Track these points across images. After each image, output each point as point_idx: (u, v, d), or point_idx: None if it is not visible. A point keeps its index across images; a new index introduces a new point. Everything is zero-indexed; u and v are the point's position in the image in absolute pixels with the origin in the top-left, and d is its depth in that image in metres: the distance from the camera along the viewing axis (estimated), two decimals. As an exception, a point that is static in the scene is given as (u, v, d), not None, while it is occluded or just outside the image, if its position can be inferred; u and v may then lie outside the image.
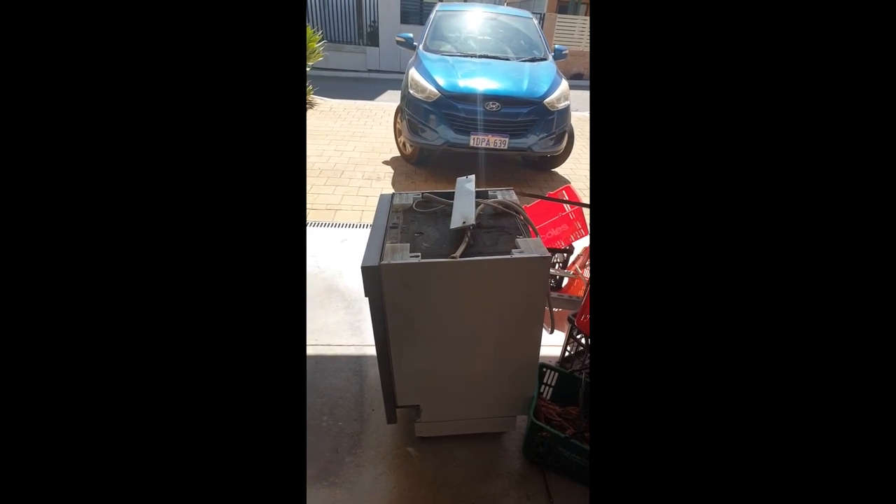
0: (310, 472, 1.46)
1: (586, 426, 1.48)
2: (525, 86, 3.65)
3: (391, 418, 1.50)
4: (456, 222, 1.31)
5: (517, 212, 1.51)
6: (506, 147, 3.61)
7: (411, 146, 4.04)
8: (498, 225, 1.43)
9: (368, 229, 3.08)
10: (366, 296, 1.23)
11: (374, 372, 1.87)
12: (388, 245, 1.27)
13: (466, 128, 3.58)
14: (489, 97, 3.54)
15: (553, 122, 3.65)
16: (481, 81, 3.65)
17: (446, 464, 1.51)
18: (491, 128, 3.59)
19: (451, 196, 1.58)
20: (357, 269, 2.61)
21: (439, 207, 1.54)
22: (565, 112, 3.73)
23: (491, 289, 1.25)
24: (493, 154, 3.89)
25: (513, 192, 1.65)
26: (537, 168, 4.36)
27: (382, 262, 1.18)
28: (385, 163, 4.29)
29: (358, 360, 1.94)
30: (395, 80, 9.00)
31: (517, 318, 1.31)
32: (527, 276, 1.23)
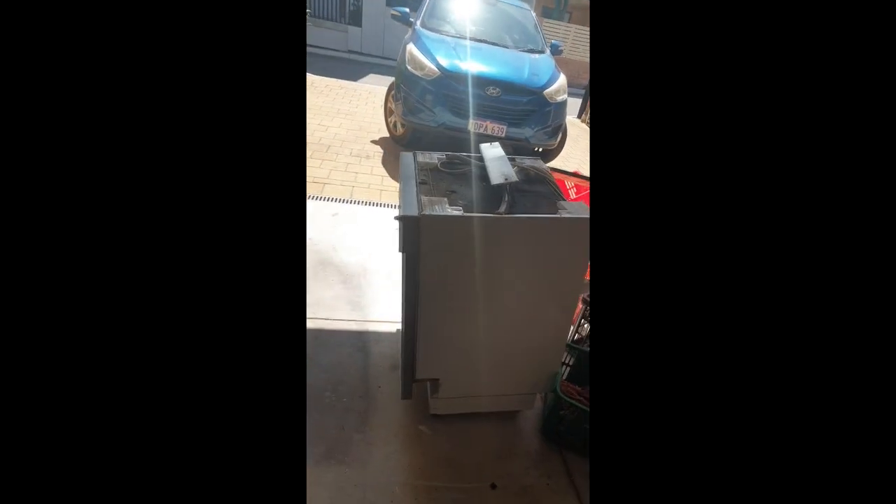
0: (316, 450, 1.32)
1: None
2: (526, 74, 3.61)
3: (407, 393, 1.39)
4: (496, 179, 1.22)
5: (548, 179, 1.44)
6: (503, 135, 3.55)
7: (403, 126, 3.91)
8: (533, 189, 1.35)
9: (359, 206, 2.94)
10: (400, 251, 1.12)
11: (377, 349, 1.74)
12: (424, 198, 1.16)
13: (465, 111, 3.49)
14: (490, 82, 3.47)
15: (550, 114, 3.63)
16: (483, 65, 3.57)
17: (462, 442, 1.41)
18: (490, 114, 3.51)
19: (479, 160, 1.49)
20: (352, 245, 2.47)
21: (466, 168, 1.44)
22: (563, 105, 3.72)
23: (534, 251, 1.17)
24: (484, 141, 3.82)
25: (539, 160, 1.58)
26: (528, 160, 4.34)
27: (423, 213, 1.07)
28: (374, 142, 4.12)
29: (360, 336, 1.80)
30: (377, 64, 8.78)
31: (556, 286, 1.23)
32: (573, 239, 1.16)
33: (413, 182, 1.28)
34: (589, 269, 1.47)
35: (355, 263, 2.26)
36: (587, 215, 1.14)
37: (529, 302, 1.25)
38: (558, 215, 1.13)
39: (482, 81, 3.47)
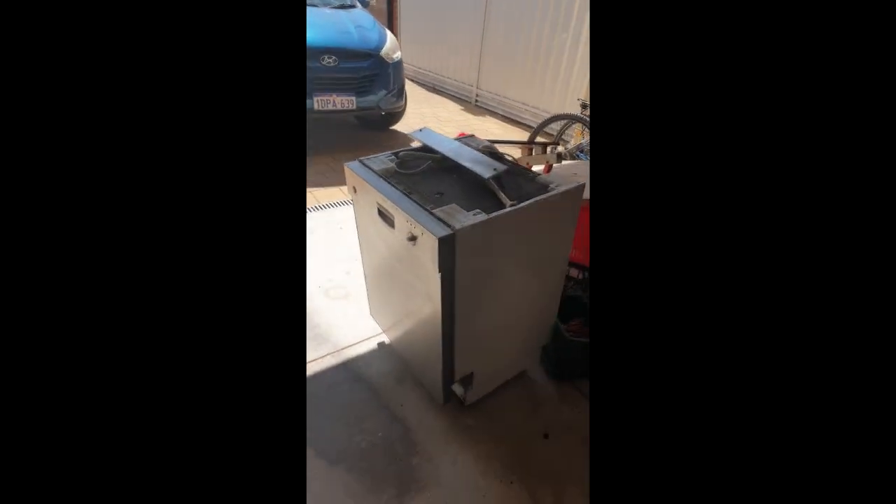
0: (388, 494, 1.25)
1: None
2: (355, 36, 3.38)
3: (448, 397, 1.39)
4: (486, 172, 1.24)
5: (500, 154, 1.50)
6: (353, 107, 3.34)
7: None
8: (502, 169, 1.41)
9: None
10: (439, 271, 1.07)
11: (372, 371, 1.65)
12: (436, 211, 1.11)
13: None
14: (322, 50, 3.15)
15: (391, 75, 3.54)
16: (307, 31, 3.20)
17: (504, 416, 1.52)
18: (332, 86, 3.24)
19: (428, 151, 1.45)
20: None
21: (424, 163, 1.40)
22: (400, 64, 3.66)
23: (542, 228, 1.26)
24: (324, 119, 3.51)
25: (474, 136, 1.62)
26: (376, 128, 4.22)
27: (457, 228, 1.04)
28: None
29: (346, 368, 1.66)
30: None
31: (555, 250, 1.37)
32: (570, 207, 1.28)
33: (399, 194, 1.20)
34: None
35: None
36: (576, 183, 1.27)
37: (541, 271, 1.36)
38: (558, 191, 1.23)
39: (312, 51, 3.14)
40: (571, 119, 3.16)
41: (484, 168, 1.25)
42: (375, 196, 1.26)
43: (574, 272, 1.99)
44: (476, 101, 5.47)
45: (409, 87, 5.61)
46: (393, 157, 1.44)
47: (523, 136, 4.34)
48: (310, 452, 1.35)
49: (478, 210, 1.12)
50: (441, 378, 1.33)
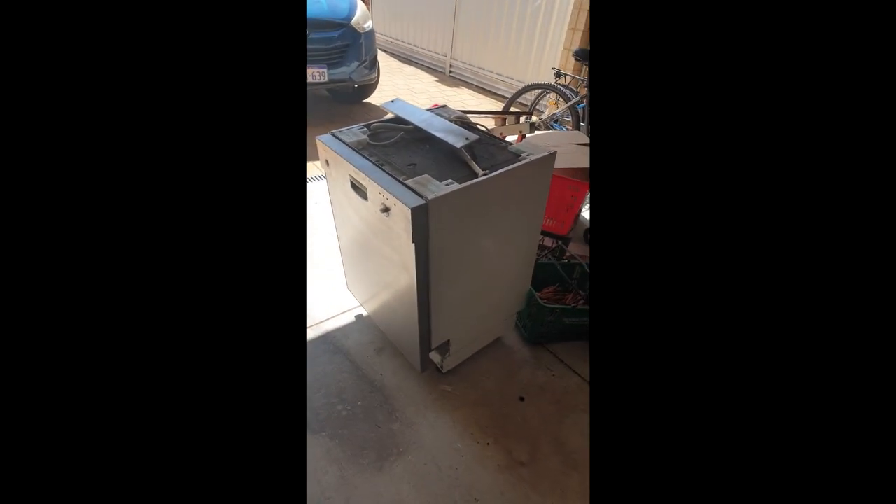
0: (368, 459, 1.30)
1: (580, 297, 1.77)
2: (325, 4, 3.25)
3: (425, 365, 1.43)
4: (458, 142, 1.24)
5: (472, 123, 1.50)
6: (326, 80, 3.24)
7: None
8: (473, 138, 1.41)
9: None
10: (413, 241, 1.08)
11: (350, 342, 1.67)
12: (409, 182, 1.11)
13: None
14: (289, 20, 3.02)
15: (363, 46, 3.43)
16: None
17: (480, 381, 1.57)
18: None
19: (401, 122, 1.44)
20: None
21: (396, 135, 1.39)
22: (372, 34, 3.54)
23: (514, 196, 1.28)
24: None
25: (447, 107, 1.61)
26: (349, 101, 4.10)
27: (430, 198, 1.04)
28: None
29: (324, 340, 1.67)
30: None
31: (529, 217, 1.39)
32: (542, 174, 1.31)
33: (371, 166, 1.19)
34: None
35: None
36: (547, 151, 1.28)
37: (514, 238, 1.39)
38: (529, 159, 1.24)
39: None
40: (546, 88, 3.15)
41: (456, 138, 1.25)
42: (348, 168, 1.25)
43: (548, 241, 2.04)
44: (450, 71, 5.36)
45: (382, 59, 5.45)
46: (365, 128, 1.42)
47: (498, 106, 4.31)
48: (292, 423, 1.38)
49: (450, 180, 1.13)
50: (418, 347, 1.37)
